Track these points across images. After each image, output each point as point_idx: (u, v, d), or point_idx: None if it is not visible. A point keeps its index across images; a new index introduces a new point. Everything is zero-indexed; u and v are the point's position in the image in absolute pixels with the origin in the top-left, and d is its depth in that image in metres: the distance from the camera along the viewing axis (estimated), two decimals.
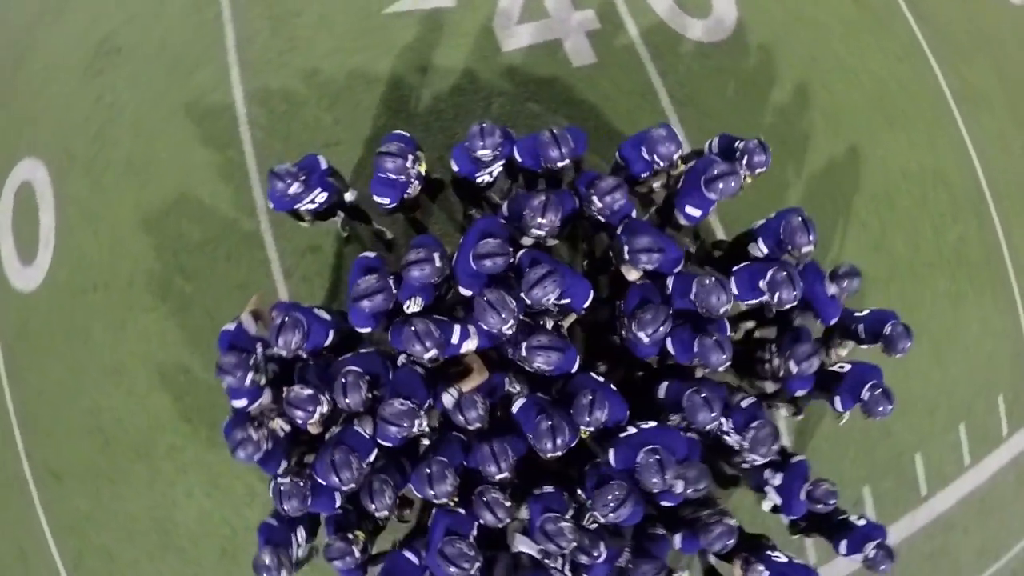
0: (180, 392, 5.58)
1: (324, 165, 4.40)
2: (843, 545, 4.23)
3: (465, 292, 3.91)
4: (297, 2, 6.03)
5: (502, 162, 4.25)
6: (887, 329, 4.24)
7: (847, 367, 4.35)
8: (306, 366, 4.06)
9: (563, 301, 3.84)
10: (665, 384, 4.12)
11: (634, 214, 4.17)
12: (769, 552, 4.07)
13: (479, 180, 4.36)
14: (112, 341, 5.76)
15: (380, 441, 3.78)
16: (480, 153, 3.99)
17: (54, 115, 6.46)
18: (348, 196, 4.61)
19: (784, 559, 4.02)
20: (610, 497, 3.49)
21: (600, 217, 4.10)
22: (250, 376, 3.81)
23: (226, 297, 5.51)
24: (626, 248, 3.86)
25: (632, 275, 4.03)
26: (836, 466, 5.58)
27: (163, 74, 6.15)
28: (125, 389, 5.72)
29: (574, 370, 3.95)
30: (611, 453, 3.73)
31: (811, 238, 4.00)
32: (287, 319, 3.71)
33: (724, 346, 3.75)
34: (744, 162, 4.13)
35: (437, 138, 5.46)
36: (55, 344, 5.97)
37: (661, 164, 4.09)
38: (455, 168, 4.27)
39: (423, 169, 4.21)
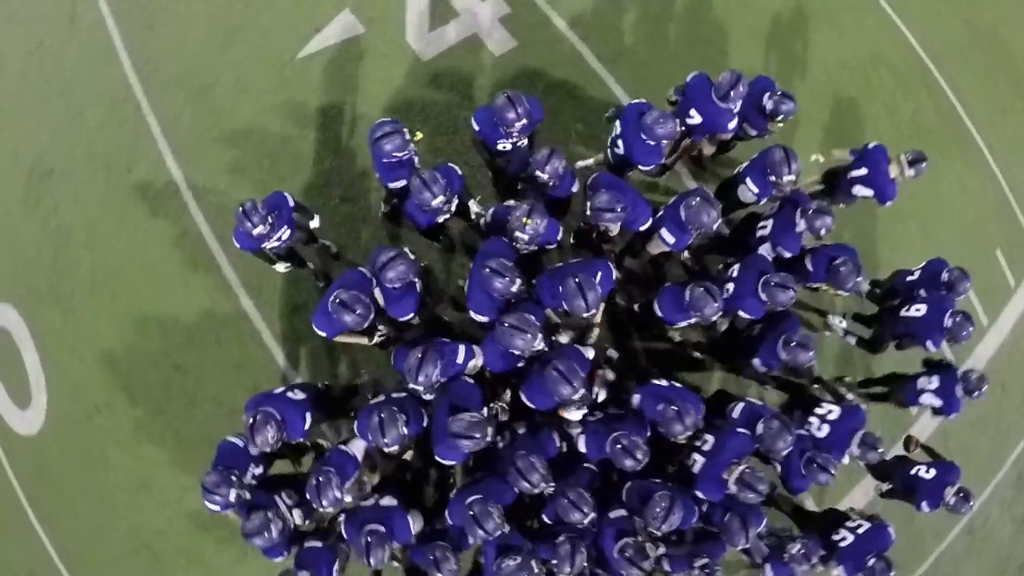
0: None
1: (291, 202, 4.34)
2: (924, 504, 4.40)
3: (479, 318, 3.89)
4: (209, 74, 5.96)
5: (527, 134, 4.23)
6: (944, 275, 4.52)
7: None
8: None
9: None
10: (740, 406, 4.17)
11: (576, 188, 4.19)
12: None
13: (499, 146, 4.28)
14: (131, 458, 5.68)
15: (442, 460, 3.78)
16: (509, 122, 3.98)
17: (5, 256, 6.35)
18: (314, 223, 4.59)
19: None
20: (657, 509, 3.52)
21: (552, 191, 4.11)
22: (234, 492, 3.67)
23: (229, 379, 5.45)
24: (588, 207, 3.88)
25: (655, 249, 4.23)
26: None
27: (102, 182, 6.06)
28: (157, 501, 5.65)
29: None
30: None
31: (794, 167, 4.12)
32: (257, 417, 3.63)
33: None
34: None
35: None
36: (76, 478, 5.88)
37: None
38: (476, 128, 4.24)
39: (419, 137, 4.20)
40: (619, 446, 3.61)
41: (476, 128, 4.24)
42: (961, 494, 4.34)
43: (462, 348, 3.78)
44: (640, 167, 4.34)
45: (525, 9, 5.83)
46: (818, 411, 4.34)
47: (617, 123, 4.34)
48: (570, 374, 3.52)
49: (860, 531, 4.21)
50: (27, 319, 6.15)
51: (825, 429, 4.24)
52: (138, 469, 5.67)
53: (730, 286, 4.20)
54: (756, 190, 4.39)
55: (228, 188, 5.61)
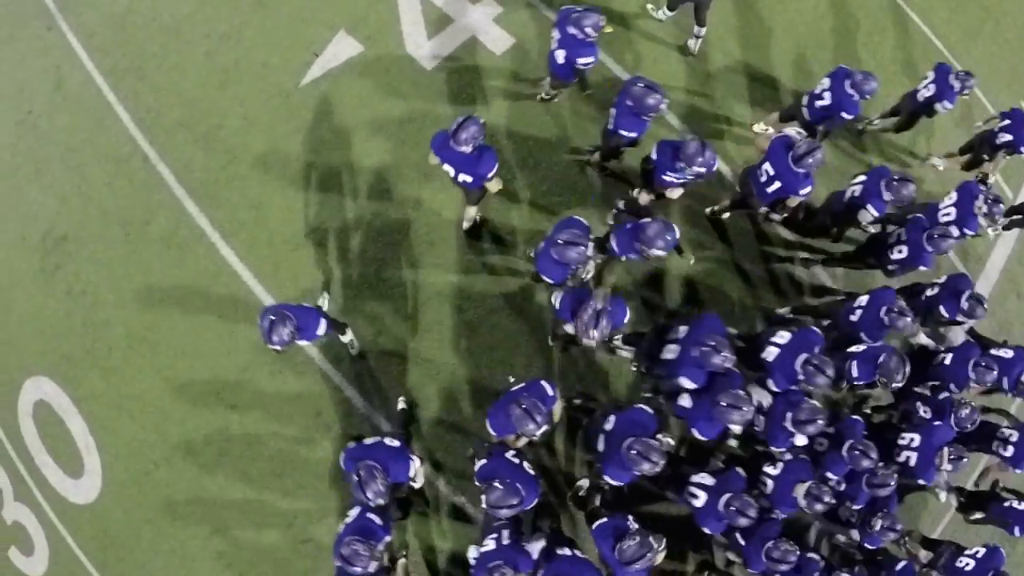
0: (287, 520, 5.52)
1: (323, 327, 4.41)
2: (1017, 530, 4.89)
3: (687, 383, 4.16)
4: (214, 115, 5.98)
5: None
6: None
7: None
8: None
9: None
10: None
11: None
12: None
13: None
14: (199, 505, 5.66)
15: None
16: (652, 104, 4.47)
17: (31, 328, 6.27)
18: (345, 338, 5.14)
19: None
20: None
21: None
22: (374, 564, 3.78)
23: (288, 410, 5.47)
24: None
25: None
26: None
27: (121, 239, 6.03)
28: (233, 543, 5.63)
29: None
30: None
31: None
32: (361, 473, 3.75)
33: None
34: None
35: (411, 173, 5.48)
36: (144, 535, 5.84)
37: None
38: (626, 134, 4.71)
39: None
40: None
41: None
42: None
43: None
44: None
45: (515, 5, 5.96)
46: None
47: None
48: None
49: (979, 556, 4.73)
50: (65, 387, 6.09)
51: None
52: (209, 515, 5.65)
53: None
54: (876, 213, 4.86)
55: (255, 222, 5.63)
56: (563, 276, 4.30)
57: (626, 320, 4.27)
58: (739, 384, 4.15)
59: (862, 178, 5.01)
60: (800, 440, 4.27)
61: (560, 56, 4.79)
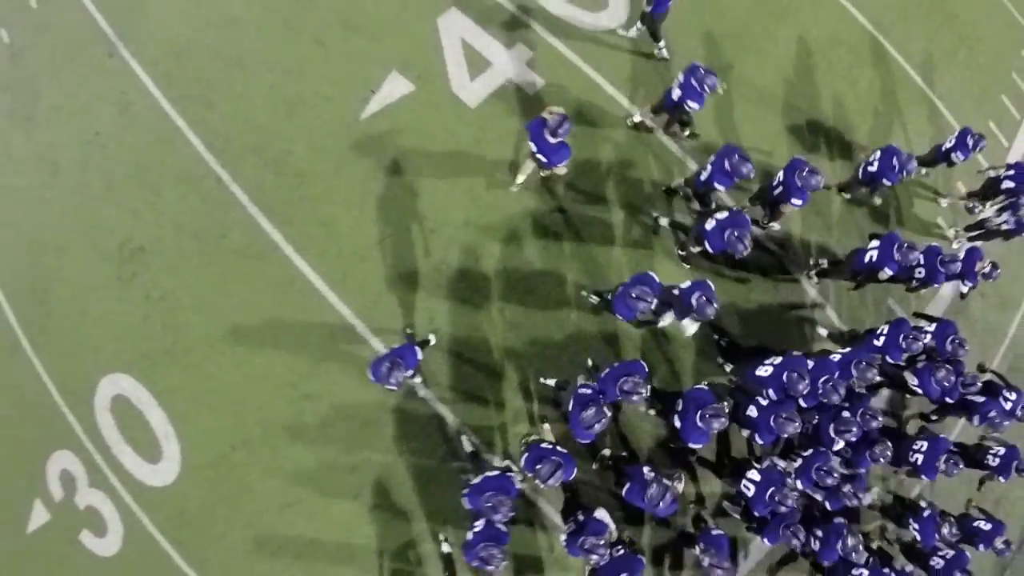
0: (354, 492, 6.42)
1: (419, 354, 5.43)
2: (981, 546, 6.23)
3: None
4: (283, 142, 6.82)
5: None
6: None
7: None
8: None
9: None
10: None
11: None
12: None
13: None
14: (274, 482, 6.50)
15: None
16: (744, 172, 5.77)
17: (109, 330, 6.97)
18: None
19: None
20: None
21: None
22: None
23: (358, 398, 6.37)
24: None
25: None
26: None
27: (195, 251, 6.81)
28: (305, 513, 6.50)
29: None
30: None
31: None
32: (490, 505, 4.75)
33: None
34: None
35: (461, 197, 6.45)
36: (219, 513, 6.63)
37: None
38: (718, 186, 5.94)
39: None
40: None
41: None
42: (1006, 544, 6.29)
43: None
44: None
45: (545, 49, 6.99)
46: None
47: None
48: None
49: (948, 556, 6.01)
50: (144, 382, 6.83)
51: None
52: (283, 491, 6.49)
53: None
54: (892, 272, 6.07)
55: (325, 237, 6.51)
56: (632, 317, 5.41)
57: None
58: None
59: (876, 243, 6.15)
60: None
61: (675, 95, 6.12)
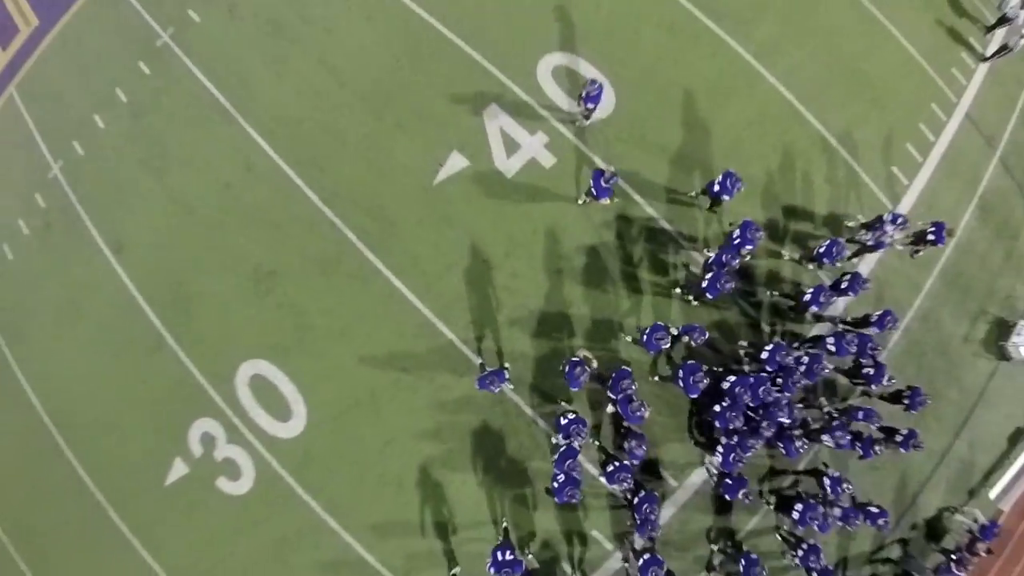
0: (438, 433, 9.60)
1: (507, 375, 8.87)
2: (806, 518, 8.52)
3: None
4: (377, 199, 9.86)
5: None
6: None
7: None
8: None
9: None
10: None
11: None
12: None
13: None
14: (376, 428, 9.57)
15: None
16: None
17: (249, 329, 9.81)
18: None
19: None
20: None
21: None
22: None
23: (438, 368, 9.55)
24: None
25: None
26: None
27: (318, 274, 9.76)
28: (399, 451, 9.63)
29: None
30: None
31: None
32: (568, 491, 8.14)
33: None
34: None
35: (504, 239, 9.74)
36: (335, 453, 9.64)
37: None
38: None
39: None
40: None
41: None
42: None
43: None
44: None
45: (556, 136, 10.31)
46: None
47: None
48: None
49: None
50: (278, 365, 9.74)
51: None
52: (383, 434, 9.59)
53: None
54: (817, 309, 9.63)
55: (413, 265, 9.64)
56: (658, 350, 8.64)
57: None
58: None
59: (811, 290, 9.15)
60: None
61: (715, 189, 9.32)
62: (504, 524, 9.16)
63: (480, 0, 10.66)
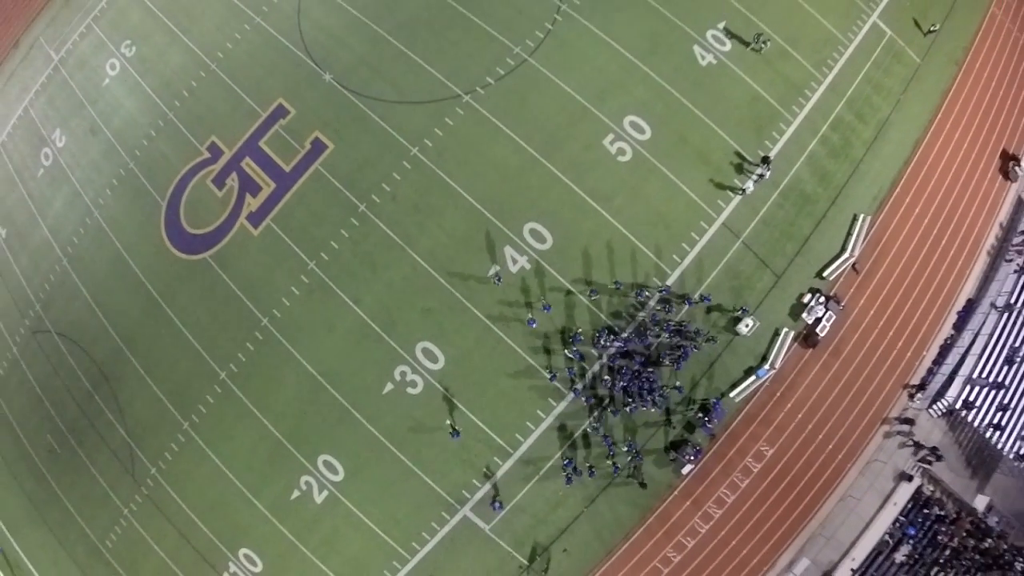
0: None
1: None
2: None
3: None
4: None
5: None
6: None
7: None
8: None
9: None
10: None
11: None
12: None
13: None
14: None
15: None
16: None
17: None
18: None
19: None
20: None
21: None
22: None
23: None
24: None
25: None
26: None
27: (462, 310, 26.03)
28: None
29: None
30: None
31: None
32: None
33: None
34: None
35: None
36: (466, 367, 26.27)
37: None
38: None
39: None
40: None
41: None
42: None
43: None
44: None
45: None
46: None
47: None
48: None
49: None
50: (440, 345, 26.02)
51: None
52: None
53: None
54: None
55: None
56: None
57: None
58: None
59: None
60: None
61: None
62: None
63: None
